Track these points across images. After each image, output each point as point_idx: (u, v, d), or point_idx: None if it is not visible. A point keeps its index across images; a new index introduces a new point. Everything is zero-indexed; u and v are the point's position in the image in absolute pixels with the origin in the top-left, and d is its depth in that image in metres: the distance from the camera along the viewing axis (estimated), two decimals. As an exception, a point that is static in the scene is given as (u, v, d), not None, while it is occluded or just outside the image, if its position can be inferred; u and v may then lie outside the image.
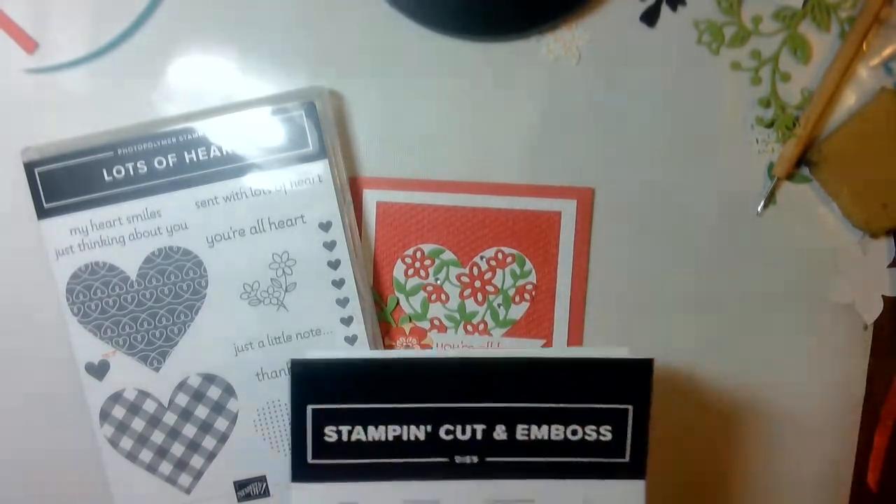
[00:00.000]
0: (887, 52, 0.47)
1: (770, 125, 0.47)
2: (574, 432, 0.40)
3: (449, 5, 0.44)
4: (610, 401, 0.40)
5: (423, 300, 0.45)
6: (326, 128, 0.43)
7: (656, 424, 0.49)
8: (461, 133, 0.46)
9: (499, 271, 0.45)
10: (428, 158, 0.46)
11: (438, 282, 0.45)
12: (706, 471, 0.50)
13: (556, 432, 0.39)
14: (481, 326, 0.45)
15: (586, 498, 0.40)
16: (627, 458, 0.40)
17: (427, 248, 0.45)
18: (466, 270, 0.45)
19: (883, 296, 0.48)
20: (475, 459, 0.39)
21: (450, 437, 0.39)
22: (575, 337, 0.46)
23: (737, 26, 0.46)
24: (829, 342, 0.49)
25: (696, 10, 0.46)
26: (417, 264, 0.45)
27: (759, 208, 0.47)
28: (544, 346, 0.46)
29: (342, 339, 0.44)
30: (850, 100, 0.47)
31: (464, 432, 0.39)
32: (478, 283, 0.45)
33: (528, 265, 0.45)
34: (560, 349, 0.45)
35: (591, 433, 0.40)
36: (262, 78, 0.45)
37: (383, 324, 0.45)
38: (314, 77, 0.45)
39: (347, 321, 0.44)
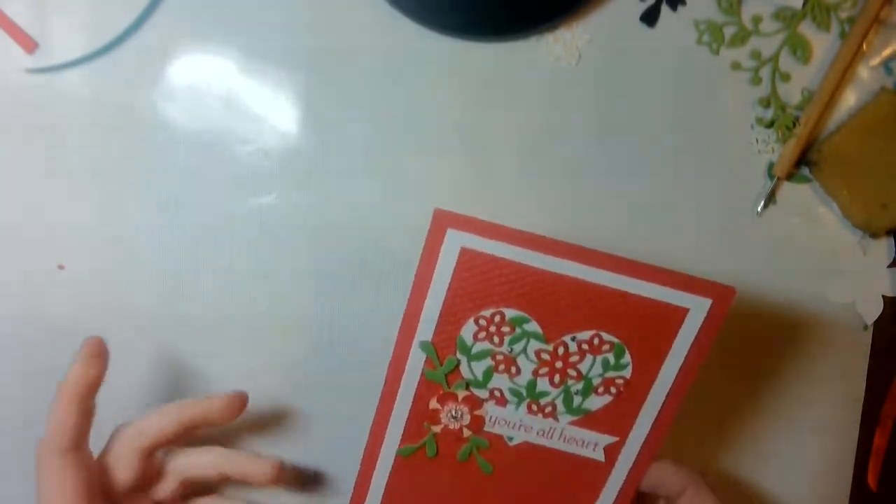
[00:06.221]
0: (887, 52, 0.47)
1: (770, 125, 0.47)
2: None
3: (449, 5, 0.44)
4: None
5: (489, 368, 0.38)
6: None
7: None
8: (460, 133, 0.46)
9: (588, 357, 0.38)
10: (424, 158, 0.46)
11: (513, 353, 0.38)
12: (705, 471, 0.50)
13: None
14: (548, 409, 0.39)
15: None
16: None
17: (510, 313, 0.37)
18: (550, 348, 0.37)
19: (883, 296, 0.48)
20: None
21: None
22: (654, 442, 0.40)
23: (737, 26, 0.46)
24: (829, 342, 0.49)
25: (696, 10, 0.46)
26: (493, 329, 0.37)
27: (759, 208, 0.47)
28: (615, 443, 0.39)
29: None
30: (850, 100, 0.47)
31: None
32: (559, 364, 0.38)
33: (627, 358, 0.38)
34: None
35: None
36: (263, 78, 0.45)
37: (434, 385, 0.39)
38: (314, 77, 0.45)
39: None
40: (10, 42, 0.44)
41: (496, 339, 0.38)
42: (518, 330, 0.37)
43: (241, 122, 0.45)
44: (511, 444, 0.40)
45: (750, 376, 0.49)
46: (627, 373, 0.38)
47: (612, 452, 0.40)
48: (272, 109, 0.45)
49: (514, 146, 0.46)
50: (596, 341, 0.37)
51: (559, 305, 0.37)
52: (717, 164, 0.47)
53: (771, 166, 0.47)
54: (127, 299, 0.46)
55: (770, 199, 0.47)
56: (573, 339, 0.37)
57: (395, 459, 0.40)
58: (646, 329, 0.37)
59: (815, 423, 0.50)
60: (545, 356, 0.38)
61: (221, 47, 0.45)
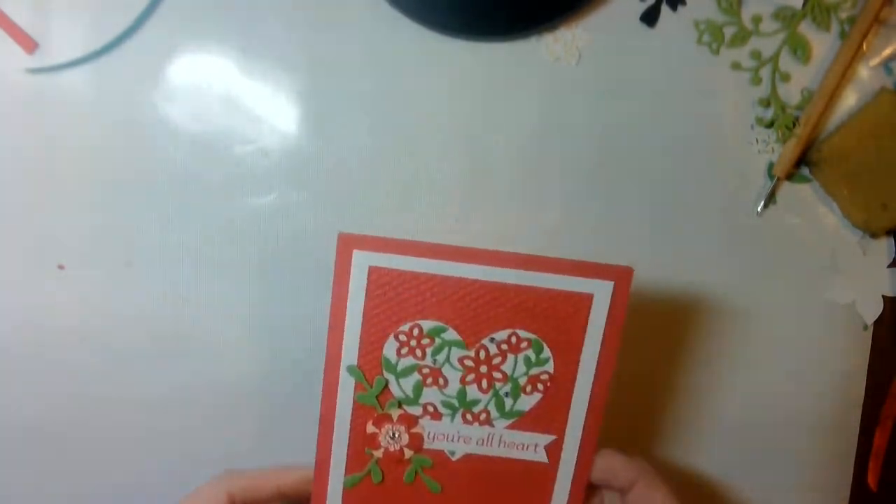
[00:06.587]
0: (887, 52, 0.47)
1: (770, 125, 0.47)
2: None
3: (449, 5, 0.44)
4: None
5: (417, 383, 0.38)
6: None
7: (657, 442, 0.49)
8: (459, 133, 0.46)
9: (510, 357, 0.38)
10: (425, 158, 0.46)
11: (437, 364, 0.38)
12: (705, 472, 0.50)
13: None
14: (483, 416, 0.39)
15: None
16: None
17: (427, 325, 0.38)
18: (472, 353, 0.38)
19: (883, 296, 0.48)
20: None
21: None
22: (591, 434, 0.40)
23: (737, 26, 0.46)
24: (829, 342, 0.49)
25: (696, 10, 0.46)
26: (413, 342, 0.38)
27: (759, 208, 0.47)
28: (554, 442, 0.40)
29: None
30: (850, 100, 0.47)
31: None
32: (483, 369, 0.38)
33: (546, 352, 0.38)
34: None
35: None
36: (263, 78, 0.45)
37: (367, 408, 0.39)
38: (314, 77, 0.45)
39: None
40: (10, 42, 0.44)
41: (419, 353, 0.38)
42: (438, 340, 0.38)
43: (241, 122, 0.45)
44: (454, 458, 0.40)
45: (749, 376, 0.49)
46: (550, 367, 0.38)
47: (553, 451, 0.40)
48: (272, 109, 0.45)
49: (514, 146, 0.46)
50: (514, 339, 0.38)
51: (472, 309, 0.37)
52: (717, 164, 0.47)
53: (771, 166, 0.47)
54: (127, 299, 0.46)
55: (770, 199, 0.47)
56: (491, 340, 0.38)
57: (342, 493, 0.40)
58: (558, 320, 0.38)
59: (815, 423, 0.50)
60: (469, 362, 0.38)
61: (221, 47, 0.45)
